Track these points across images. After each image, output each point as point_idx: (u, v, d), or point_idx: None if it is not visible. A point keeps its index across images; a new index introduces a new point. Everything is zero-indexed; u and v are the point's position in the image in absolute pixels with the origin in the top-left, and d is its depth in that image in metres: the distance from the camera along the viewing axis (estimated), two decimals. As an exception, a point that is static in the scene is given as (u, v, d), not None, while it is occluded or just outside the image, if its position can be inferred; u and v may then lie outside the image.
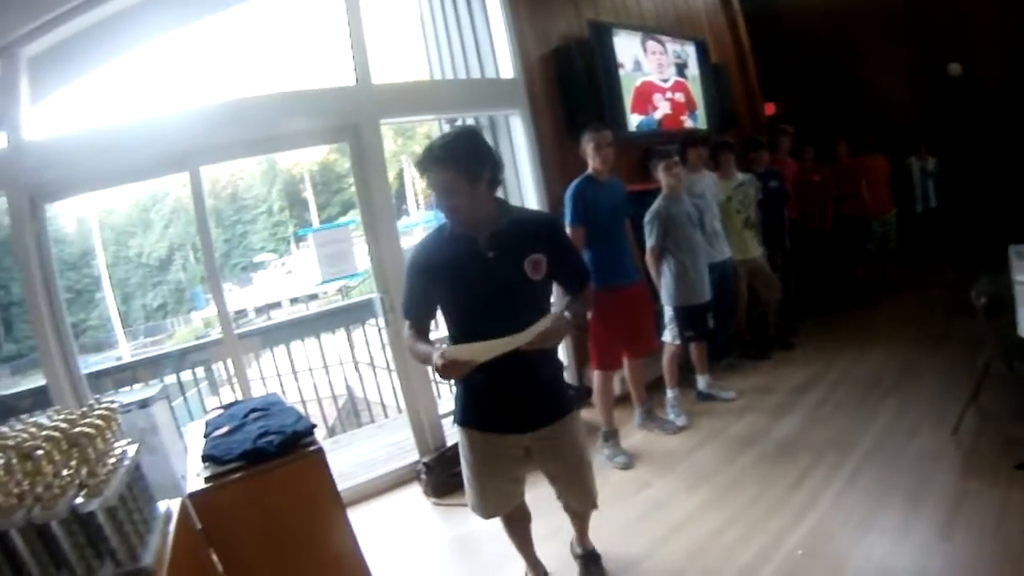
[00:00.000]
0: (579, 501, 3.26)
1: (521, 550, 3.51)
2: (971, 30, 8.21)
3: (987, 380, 4.33)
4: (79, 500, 1.73)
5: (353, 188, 5.55)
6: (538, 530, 3.55)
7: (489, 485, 3.07)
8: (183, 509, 2.21)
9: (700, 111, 7.54)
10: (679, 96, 7.27)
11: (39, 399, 5.63)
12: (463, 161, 2.58)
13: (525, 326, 2.53)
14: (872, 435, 4.60)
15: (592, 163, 4.76)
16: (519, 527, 3.44)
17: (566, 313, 2.67)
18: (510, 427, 2.91)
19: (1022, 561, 3.03)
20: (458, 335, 2.83)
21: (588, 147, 4.74)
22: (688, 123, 7.36)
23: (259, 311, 30.31)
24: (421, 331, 2.93)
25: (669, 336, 5.50)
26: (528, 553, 3.54)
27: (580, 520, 3.53)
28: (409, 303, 2.92)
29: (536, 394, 2.88)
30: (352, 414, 9.47)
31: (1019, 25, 7.85)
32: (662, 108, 7.05)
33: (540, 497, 3.43)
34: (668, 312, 5.47)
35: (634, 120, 6.73)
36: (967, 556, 3.15)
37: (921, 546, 3.29)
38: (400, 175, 32.28)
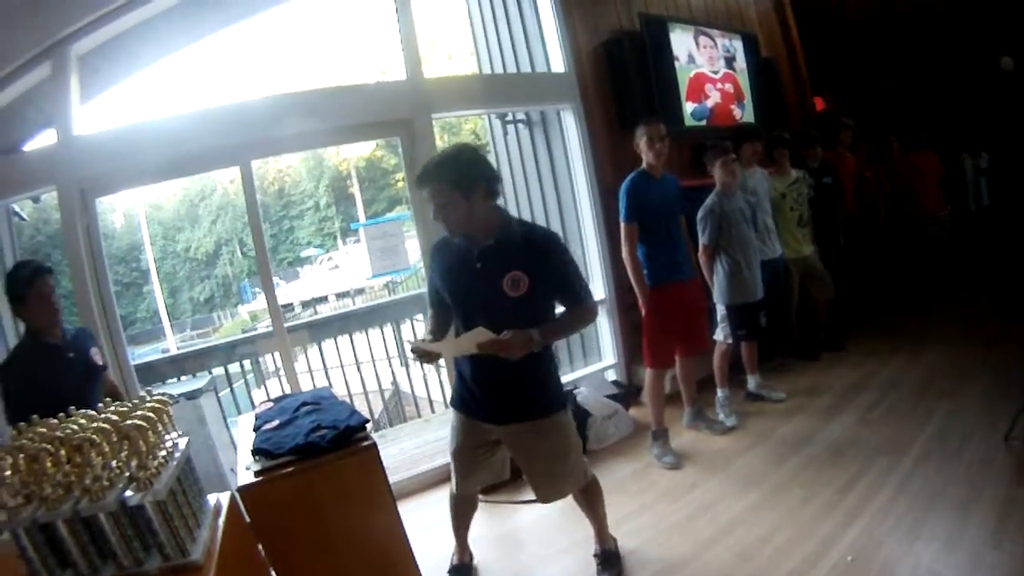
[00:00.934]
0: (541, 494, 3.33)
1: (456, 532, 3.77)
2: None
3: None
4: (128, 493, 1.72)
5: (399, 184, 5.56)
6: (561, 542, 3.94)
7: (463, 463, 3.34)
8: (233, 503, 2.20)
9: (748, 101, 7.43)
10: (728, 87, 7.20)
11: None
12: (457, 176, 2.80)
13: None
14: (923, 440, 4.50)
15: (645, 157, 4.70)
16: (464, 510, 3.70)
17: (533, 331, 2.79)
18: (484, 416, 3.15)
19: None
20: (458, 330, 3.07)
21: (641, 141, 4.68)
22: (737, 112, 7.28)
23: (305, 305, 30.52)
24: (438, 318, 3.24)
25: (721, 335, 5.43)
26: (461, 536, 3.80)
27: (591, 513, 3.62)
28: (428, 292, 3.32)
29: (510, 392, 3.05)
30: (398, 409, 9.49)
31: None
32: (713, 97, 6.99)
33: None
34: (720, 310, 5.39)
35: (688, 107, 6.68)
36: (1017, 564, 3.08)
37: (970, 554, 3.22)
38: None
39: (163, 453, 1.90)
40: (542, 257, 2.91)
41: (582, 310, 3.08)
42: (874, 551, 3.38)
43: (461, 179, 2.78)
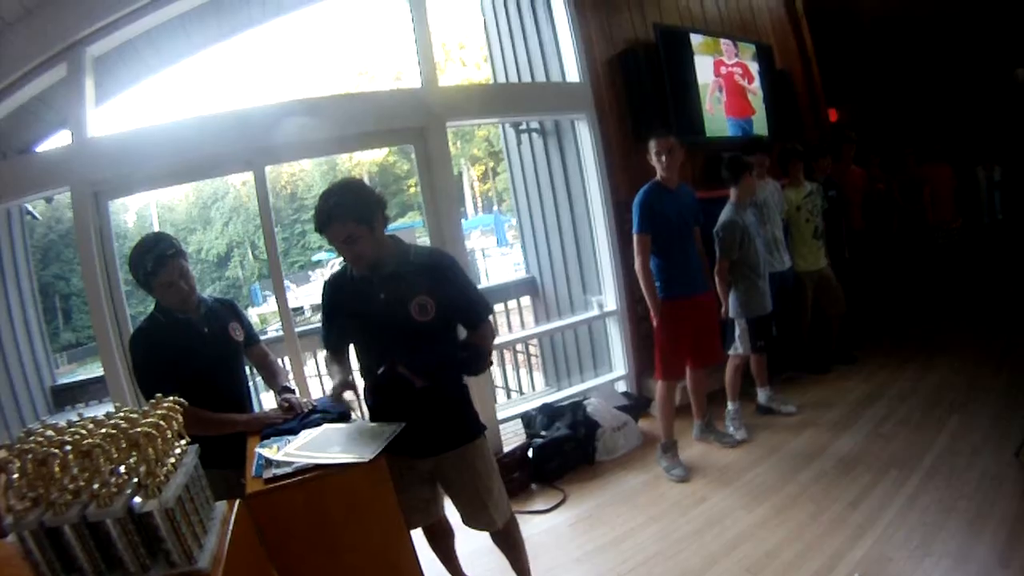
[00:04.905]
0: (478, 521, 3.25)
1: (445, 564, 3.64)
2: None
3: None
4: (136, 500, 1.71)
5: (412, 190, 5.58)
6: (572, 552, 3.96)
7: (403, 500, 3.02)
8: (241, 511, 2.18)
9: (760, 103, 7.46)
10: (743, 82, 7.26)
11: (97, 388, 5.72)
12: (357, 210, 2.78)
13: (419, 364, 2.86)
14: (933, 454, 4.49)
15: (658, 169, 4.69)
16: (441, 542, 3.58)
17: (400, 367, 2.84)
18: (414, 451, 3.00)
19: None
20: (365, 368, 3.11)
21: (652, 154, 4.68)
22: (750, 103, 7.34)
23: (315, 309, 30.49)
24: (337, 358, 3.19)
25: (741, 348, 5.40)
26: (451, 567, 3.68)
27: (515, 556, 3.44)
28: (324, 335, 3.22)
29: (438, 421, 3.03)
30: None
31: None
32: (728, 92, 7.07)
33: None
34: (741, 324, 5.34)
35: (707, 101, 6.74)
36: (1026, 584, 3.07)
37: (980, 572, 3.21)
38: (459, 177, 32.59)
39: (172, 460, 1.89)
40: (442, 278, 2.96)
41: (484, 328, 3.11)
42: (883, 567, 3.37)
43: (362, 211, 2.79)
